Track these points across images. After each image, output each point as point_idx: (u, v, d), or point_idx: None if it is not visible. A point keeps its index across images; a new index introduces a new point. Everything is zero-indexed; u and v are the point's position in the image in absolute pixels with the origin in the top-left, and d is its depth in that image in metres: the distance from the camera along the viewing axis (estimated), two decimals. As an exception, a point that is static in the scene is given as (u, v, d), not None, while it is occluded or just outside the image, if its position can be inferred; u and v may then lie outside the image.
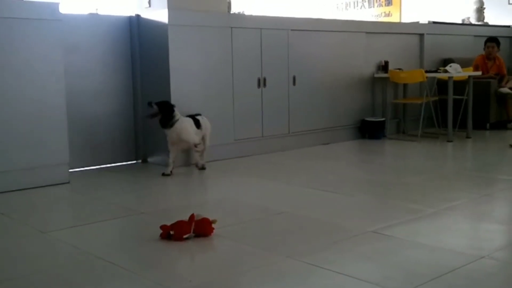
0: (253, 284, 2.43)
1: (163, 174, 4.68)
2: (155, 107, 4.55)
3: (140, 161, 5.32)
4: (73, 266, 2.65)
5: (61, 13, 4.35)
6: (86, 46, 4.96)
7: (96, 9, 5.77)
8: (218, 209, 3.58)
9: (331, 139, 6.23)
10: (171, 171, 4.68)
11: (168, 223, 2.98)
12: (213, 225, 3.00)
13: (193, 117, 4.80)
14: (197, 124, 4.77)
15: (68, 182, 4.41)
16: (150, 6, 5.05)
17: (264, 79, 5.59)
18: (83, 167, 4.96)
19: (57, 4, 4.29)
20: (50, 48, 4.27)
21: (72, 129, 4.66)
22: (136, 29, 5.19)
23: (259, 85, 5.56)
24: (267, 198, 3.92)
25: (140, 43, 5.19)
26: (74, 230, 3.23)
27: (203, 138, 4.86)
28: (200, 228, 2.96)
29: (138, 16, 5.18)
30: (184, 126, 4.62)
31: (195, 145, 4.79)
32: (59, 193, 4.16)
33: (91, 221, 3.39)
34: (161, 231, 2.96)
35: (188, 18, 5.01)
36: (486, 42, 7.13)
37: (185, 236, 2.92)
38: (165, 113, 4.57)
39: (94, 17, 5.13)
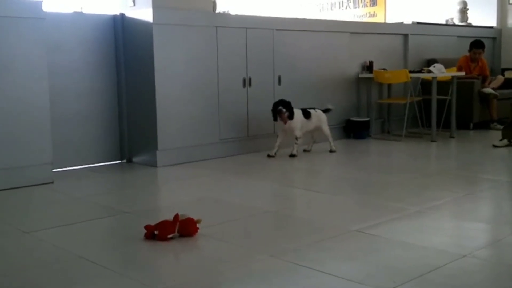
0: (237, 283, 2.43)
1: (268, 156, 5.35)
2: (284, 110, 5.20)
3: (125, 161, 5.30)
4: (56, 266, 2.63)
5: (44, 11, 4.32)
6: (70, 45, 4.92)
7: (81, 8, 5.72)
8: (202, 209, 3.57)
9: (316, 139, 6.23)
10: (275, 153, 5.35)
11: (153, 223, 2.97)
12: (197, 225, 3.00)
13: (305, 109, 5.43)
14: (307, 115, 5.38)
15: (52, 182, 4.37)
16: (134, 5, 5.03)
17: (250, 79, 5.59)
18: (67, 167, 4.92)
19: (40, 2, 4.26)
20: (33, 46, 4.24)
21: (55, 128, 4.63)
22: (120, 28, 5.16)
23: (244, 85, 5.56)
24: (252, 198, 3.92)
25: (124, 42, 5.16)
26: (58, 230, 3.21)
27: (317, 129, 5.55)
28: (184, 228, 2.96)
29: (122, 15, 5.16)
30: (295, 118, 5.29)
31: (296, 138, 5.37)
32: (43, 193, 4.12)
33: (74, 221, 3.37)
34: (146, 231, 2.95)
35: (173, 17, 5.00)
36: (472, 46, 7.16)
37: (169, 236, 2.91)
38: (290, 110, 5.23)
39: (78, 15, 5.09)
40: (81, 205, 3.81)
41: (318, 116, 5.54)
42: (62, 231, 3.19)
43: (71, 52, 4.93)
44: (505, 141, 5.74)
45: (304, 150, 5.63)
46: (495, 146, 5.73)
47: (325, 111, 5.65)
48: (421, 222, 3.27)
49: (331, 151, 5.62)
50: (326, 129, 5.60)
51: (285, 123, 5.27)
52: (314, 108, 5.57)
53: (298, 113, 5.36)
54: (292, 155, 5.37)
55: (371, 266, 2.56)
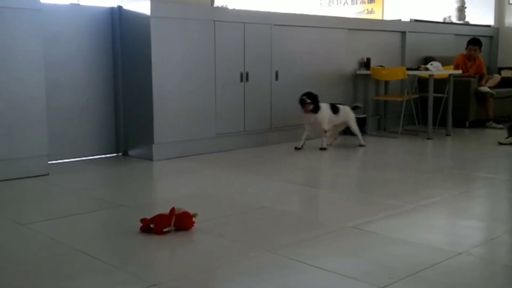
0: (232, 278, 2.43)
1: (296, 148, 5.49)
2: (308, 101, 5.35)
3: (120, 154, 5.28)
4: (51, 258, 2.62)
5: (41, 3, 4.30)
6: (66, 37, 4.90)
7: (78, 0, 5.70)
8: (199, 203, 3.57)
9: (312, 135, 6.24)
10: (302, 145, 5.50)
11: (148, 217, 2.96)
12: (193, 219, 3.00)
13: (334, 104, 5.59)
14: (335, 110, 5.53)
15: (47, 174, 4.36)
16: (132, -3, 5.01)
17: (247, 74, 5.58)
18: (62, 159, 4.91)
19: (37, -7, 4.23)
20: (29, 38, 4.21)
21: (51, 121, 4.62)
22: (117, 21, 5.14)
23: (241, 80, 5.55)
24: (248, 193, 3.92)
25: (121, 35, 5.14)
26: (53, 223, 3.20)
27: (343, 124, 5.70)
28: (180, 222, 2.95)
29: (120, 7, 5.13)
30: (322, 112, 5.44)
31: (325, 131, 5.51)
32: (38, 185, 4.11)
33: (70, 213, 3.36)
34: (141, 225, 2.94)
35: (171, 10, 4.98)
36: (468, 44, 7.18)
37: (165, 230, 2.91)
38: (315, 102, 5.37)
39: (75, 7, 5.07)
40: (77, 197, 3.80)
41: (347, 112, 5.67)
42: (57, 224, 3.18)
43: (68, 44, 4.91)
44: (511, 139, 5.79)
45: (296, 148, 5.59)
46: (500, 144, 5.76)
47: (354, 108, 5.81)
48: (416, 220, 3.28)
49: (360, 145, 5.75)
50: (353, 125, 5.72)
51: (305, 112, 5.41)
52: (342, 104, 5.74)
53: (326, 107, 5.51)
54: (322, 148, 5.52)
55: (367, 263, 2.56)
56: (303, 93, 5.46)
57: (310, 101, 5.39)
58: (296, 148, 5.52)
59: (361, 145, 5.74)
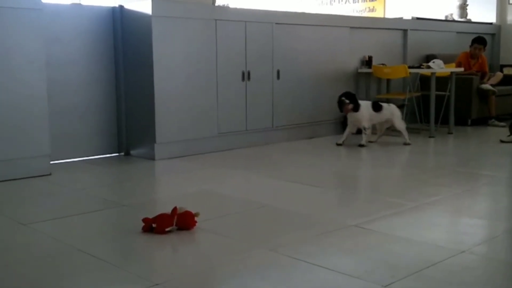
0: (234, 277, 2.43)
1: (337, 144, 5.68)
2: (347, 101, 5.52)
3: (123, 153, 5.29)
4: (53, 258, 2.62)
5: (42, 3, 4.30)
6: (68, 37, 4.90)
7: (79, -1, 5.70)
8: (201, 202, 3.57)
9: (314, 134, 6.24)
10: (343, 142, 5.69)
11: (150, 216, 2.96)
12: (195, 218, 3.00)
13: (376, 102, 5.71)
14: (377, 108, 5.62)
15: (50, 174, 4.36)
16: (133, -3, 5.01)
17: (249, 73, 5.58)
18: (64, 159, 4.91)
19: (39, -7, 4.23)
20: (31, 38, 4.21)
21: (53, 120, 4.62)
22: (119, 20, 5.14)
23: (243, 79, 5.55)
24: (250, 192, 3.92)
25: (123, 34, 5.14)
26: (55, 222, 3.20)
27: (388, 122, 5.76)
28: (182, 221, 2.95)
29: (121, 7, 5.13)
30: (362, 110, 5.57)
31: (364, 128, 5.61)
32: (40, 185, 4.11)
33: (72, 213, 3.36)
34: (143, 224, 2.94)
35: (172, 10, 4.97)
36: (474, 42, 7.16)
37: (167, 229, 2.91)
38: (354, 102, 5.51)
39: (76, 7, 5.07)
40: (79, 197, 3.80)
41: (391, 110, 5.71)
42: (59, 223, 3.18)
43: (69, 44, 4.91)
44: None
45: (369, 141, 5.80)
46: (502, 142, 5.76)
47: (400, 106, 5.89)
48: (419, 218, 3.27)
49: (405, 143, 5.76)
50: (398, 123, 5.74)
51: (346, 112, 5.61)
52: (388, 103, 5.84)
53: (366, 105, 5.63)
54: (361, 145, 5.61)
55: (369, 261, 2.56)
56: (341, 94, 5.63)
57: (348, 101, 5.53)
58: (337, 144, 5.70)
59: (406, 143, 5.76)
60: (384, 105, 5.73)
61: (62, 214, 3.35)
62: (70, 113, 4.95)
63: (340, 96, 5.63)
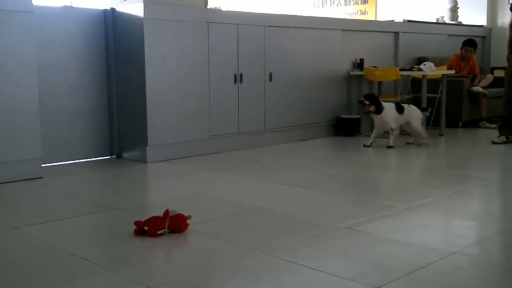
0: (227, 280, 2.43)
1: (364, 145, 5.75)
2: (367, 102, 5.59)
3: (114, 156, 5.27)
4: (45, 262, 2.61)
5: (34, 5, 4.28)
6: (59, 39, 4.88)
7: (71, 2, 5.69)
8: (193, 205, 3.56)
9: (306, 136, 6.26)
10: (371, 143, 5.76)
11: (142, 219, 2.96)
12: (188, 221, 2.99)
13: (399, 104, 5.77)
14: (400, 110, 5.67)
15: (41, 177, 4.34)
16: (125, -1, 5.00)
17: (241, 75, 5.58)
18: (56, 162, 4.89)
19: (30, -4, 4.22)
20: (22, 40, 4.20)
21: (45, 123, 4.60)
22: (111, 23, 5.13)
23: (235, 81, 5.55)
24: (243, 194, 3.92)
25: (115, 37, 5.13)
26: (47, 226, 3.19)
27: (406, 123, 5.78)
28: (174, 224, 2.95)
29: (113, 9, 5.12)
30: (387, 112, 5.64)
31: (392, 129, 5.68)
32: (32, 188, 4.09)
33: (64, 216, 3.35)
34: (135, 227, 2.94)
35: (164, 12, 4.97)
36: (464, 44, 7.20)
37: (159, 232, 2.90)
38: (377, 104, 5.58)
39: (68, 9, 5.06)
40: (71, 200, 3.79)
41: (411, 111, 5.76)
42: (51, 227, 3.17)
43: (61, 47, 4.90)
44: (503, 138, 5.86)
45: (407, 143, 5.89)
46: (493, 143, 5.80)
47: (423, 109, 5.96)
48: (411, 220, 3.29)
49: (419, 144, 5.84)
50: (416, 124, 5.78)
51: (364, 112, 5.73)
52: (409, 104, 5.89)
53: (391, 107, 5.69)
54: (389, 147, 5.67)
55: (361, 263, 2.57)
56: (364, 95, 5.81)
57: (369, 102, 5.60)
58: (364, 145, 5.77)
59: (419, 144, 5.82)
60: (405, 106, 5.79)
61: (54, 218, 3.33)
62: (62, 115, 4.93)
63: (362, 97, 5.77)
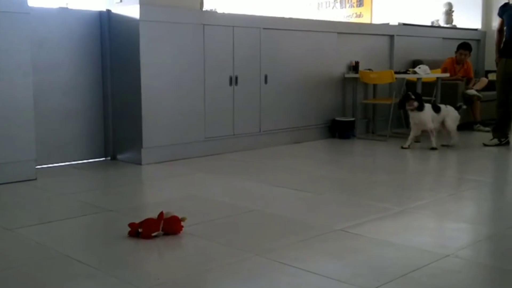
0: (221, 282, 2.43)
1: (402, 147, 5.74)
2: (413, 96, 5.63)
3: (109, 158, 5.26)
4: (39, 264, 2.61)
5: (29, 6, 4.28)
6: (55, 41, 4.88)
7: (66, 3, 5.67)
8: (187, 207, 3.56)
9: (301, 138, 6.26)
10: (409, 145, 5.77)
11: (137, 221, 2.95)
12: (182, 223, 2.99)
13: (435, 104, 5.81)
14: (436, 110, 5.69)
15: (35, 179, 4.33)
16: (121, 1, 5.00)
17: (236, 77, 5.59)
18: (50, 163, 4.88)
19: (25, -3, 4.21)
20: (17, 41, 4.19)
21: (40, 125, 4.59)
22: (106, 24, 5.12)
23: (230, 83, 5.56)
24: (237, 196, 3.92)
25: (110, 39, 5.13)
26: (41, 228, 3.18)
27: (442, 123, 5.79)
28: (169, 226, 2.95)
29: (109, 11, 5.12)
30: (425, 111, 5.64)
31: (431, 130, 5.70)
32: (26, 190, 4.08)
33: (58, 218, 3.34)
34: (130, 229, 2.93)
35: (160, 14, 4.97)
36: (459, 48, 7.22)
37: (153, 234, 2.90)
38: (420, 101, 5.60)
39: (63, 11, 5.05)
40: (65, 202, 3.78)
41: (447, 111, 5.78)
42: (45, 229, 3.16)
43: (56, 48, 4.89)
44: (495, 140, 5.93)
45: (443, 145, 5.87)
46: (485, 145, 5.84)
47: (457, 108, 5.93)
48: (404, 222, 3.30)
49: (448, 145, 5.85)
50: (450, 124, 5.79)
51: (409, 107, 5.65)
52: (445, 104, 5.91)
53: (428, 107, 5.69)
54: (432, 148, 5.68)
55: (355, 265, 2.58)
56: (407, 92, 5.85)
57: (414, 97, 5.62)
58: (402, 147, 5.76)
59: (449, 145, 5.83)
60: (442, 106, 5.81)
61: (48, 219, 3.32)
62: (56, 117, 4.92)
63: (406, 92, 5.78)
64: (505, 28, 5.90)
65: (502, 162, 5.42)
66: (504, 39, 5.92)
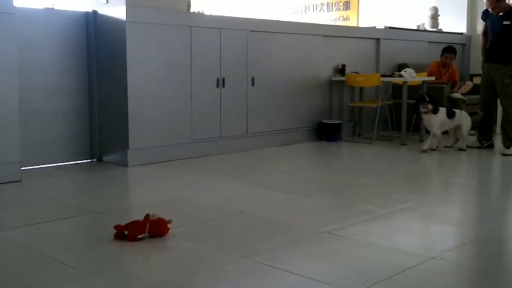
0: (207, 284, 2.42)
1: (431, 149, 5.78)
2: (428, 99, 5.68)
3: (95, 159, 5.23)
4: (23, 266, 2.58)
5: (15, 7, 4.24)
6: (40, 42, 4.84)
7: (52, 4, 5.64)
8: (174, 209, 3.55)
9: (288, 141, 6.27)
10: (436, 147, 5.85)
11: (123, 223, 2.94)
12: (168, 225, 2.98)
13: (450, 109, 5.84)
14: (450, 115, 5.73)
15: (20, 180, 4.29)
16: (107, 2, 4.97)
17: (223, 79, 5.59)
18: (36, 165, 4.84)
19: (11, -3, 4.18)
20: (2, 42, 4.15)
21: (25, 126, 4.55)
22: (92, 26, 5.10)
23: (217, 85, 5.55)
24: (224, 199, 3.92)
25: (96, 40, 5.10)
26: (25, 230, 3.16)
27: (457, 127, 5.86)
28: (155, 228, 2.94)
29: (95, 12, 5.09)
30: (437, 115, 5.71)
31: (434, 135, 5.76)
32: (10, 191, 4.05)
33: (43, 220, 3.31)
34: (115, 231, 2.92)
35: (147, 16, 4.96)
36: (444, 51, 7.28)
37: (139, 236, 2.89)
38: (434, 104, 5.67)
39: (49, 11, 5.01)
40: (50, 204, 3.75)
41: (462, 117, 5.84)
42: (30, 231, 3.14)
43: (42, 49, 4.85)
44: (477, 143, 6.06)
45: (445, 146, 5.98)
46: (468, 147, 5.93)
47: (472, 114, 5.96)
48: (390, 224, 3.31)
49: (461, 149, 5.89)
50: (465, 130, 5.86)
51: (423, 109, 5.69)
52: (460, 110, 6.00)
53: (442, 111, 5.74)
54: (423, 151, 5.75)
55: (341, 268, 2.58)
56: (422, 93, 5.90)
57: (428, 100, 5.67)
58: (431, 149, 5.82)
59: (462, 149, 5.87)
60: (457, 111, 5.86)
61: (33, 221, 3.30)
62: (42, 118, 4.88)
63: (422, 94, 5.81)
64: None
65: (487, 165, 5.46)
66: (488, 43, 6.00)
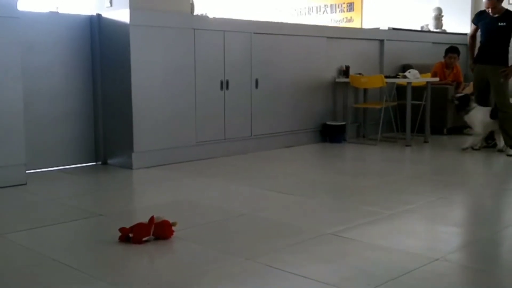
0: (212, 286, 2.43)
1: (473, 149, 5.86)
2: (457, 102, 5.94)
3: (100, 163, 5.25)
4: (29, 269, 2.59)
5: (19, 11, 4.26)
6: (45, 45, 4.86)
7: (56, 8, 5.65)
8: (178, 212, 3.56)
9: (292, 143, 6.28)
10: (479, 147, 5.89)
11: (127, 226, 2.95)
12: (173, 228, 2.99)
13: (494, 108, 5.79)
14: (494, 115, 5.74)
15: (25, 184, 4.31)
16: (111, 5, 4.99)
17: (227, 82, 5.60)
18: (41, 168, 4.86)
19: (15, 1, 4.20)
20: (7, 46, 4.18)
21: (30, 129, 4.57)
22: (97, 29, 5.12)
23: (221, 88, 5.56)
24: (228, 201, 3.92)
25: (100, 43, 5.12)
26: (31, 232, 3.17)
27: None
28: (160, 231, 2.95)
29: (99, 15, 5.12)
30: (473, 114, 5.82)
31: (476, 133, 5.84)
32: (15, 194, 4.06)
33: (48, 223, 3.33)
34: (120, 234, 2.93)
35: (150, 19, 4.97)
36: (448, 52, 7.28)
37: (144, 239, 2.90)
38: (463, 104, 5.86)
39: (54, 15, 5.04)
40: (55, 207, 3.76)
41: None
42: (35, 234, 3.15)
43: (46, 53, 4.88)
44: (483, 143, 6.06)
45: (473, 148, 5.94)
46: (463, 150, 5.91)
47: None
48: (395, 226, 3.31)
49: (499, 150, 5.92)
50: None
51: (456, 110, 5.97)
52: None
53: (483, 111, 5.80)
54: (464, 149, 5.87)
55: (345, 269, 2.58)
56: (464, 94, 6.14)
57: (458, 102, 5.91)
58: (473, 148, 5.89)
59: (500, 150, 5.88)
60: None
61: (38, 224, 3.31)
62: (47, 121, 4.91)
63: (465, 94, 6.09)
64: (479, 34, 6.00)
65: (491, 166, 5.45)
66: (478, 45, 6.02)
